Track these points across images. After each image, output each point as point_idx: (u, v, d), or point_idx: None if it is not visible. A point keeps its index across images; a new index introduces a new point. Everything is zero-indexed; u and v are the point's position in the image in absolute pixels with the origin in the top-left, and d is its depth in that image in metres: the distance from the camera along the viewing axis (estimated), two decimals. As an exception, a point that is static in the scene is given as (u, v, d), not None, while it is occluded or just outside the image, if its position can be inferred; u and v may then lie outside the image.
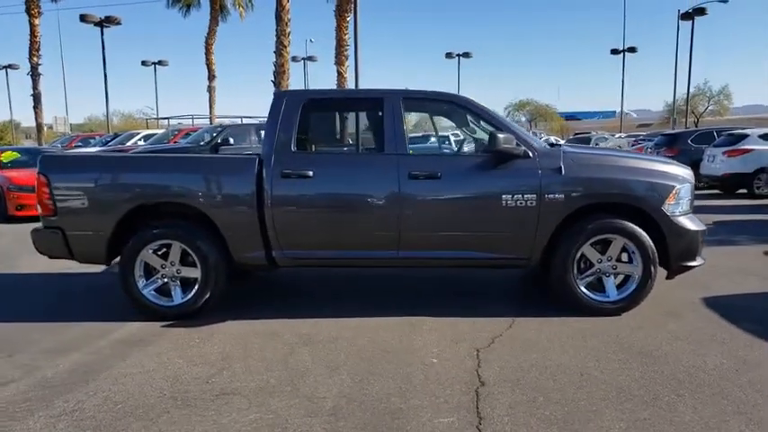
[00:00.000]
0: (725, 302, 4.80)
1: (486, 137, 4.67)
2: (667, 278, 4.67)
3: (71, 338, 4.24)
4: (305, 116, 4.66)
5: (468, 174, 4.53)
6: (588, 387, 3.26)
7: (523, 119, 73.63)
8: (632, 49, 41.79)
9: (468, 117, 4.79)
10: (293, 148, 4.58)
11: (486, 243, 4.56)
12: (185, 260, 4.65)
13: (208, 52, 26.93)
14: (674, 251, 4.51)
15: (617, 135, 33.51)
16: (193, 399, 3.20)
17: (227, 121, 23.83)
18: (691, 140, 15.10)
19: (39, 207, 4.69)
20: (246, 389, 3.32)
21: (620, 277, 4.62)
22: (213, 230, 4.61)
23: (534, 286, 5.63)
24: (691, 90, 35.72)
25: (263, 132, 15.24)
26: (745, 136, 13.38)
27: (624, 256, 4.58)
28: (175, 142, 16.43)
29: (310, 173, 4.50)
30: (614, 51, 42.05)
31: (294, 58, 37.50)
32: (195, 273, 4.62)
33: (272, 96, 4.81)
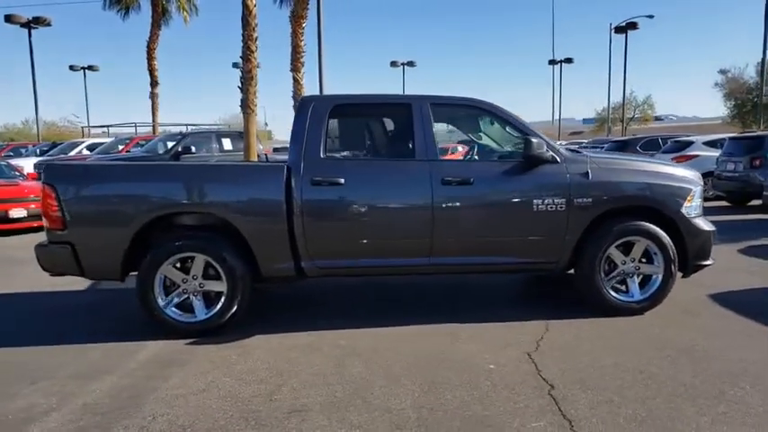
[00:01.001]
0: (733, 299, 5.05)
1: (511, 142, 4.74)
2: (683, 277, 4.87)
3: (93, 361, 3.95)
4: (332, 122, 4.57)
5: (499, 179, 4.57)
6: (655, 384, 3.34)
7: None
8: (569, 60, 43.83)
9: (496, 122, 4.83)
10: (322, 154, 4.48)
11: (516, 248, 4.62)
12: (207, 273, 4.44)
13: (150, 57, 25.89)
14: (691, 251, 4.71)
15: (558, 142, 34.70)
16: (266, 417, 3.04)
17: (174, 129, 23.05)
18: (639, 147, 15.90)
19: (45, 220, 4.36)
20: (316, 404, 3.19)
21: (640, 277, 4.77)
22: (238, 242, 4.43)
23: (539, 287, 5.73)
24: (617, 99, 37.62)
25: (224, 140, 15.01)
26: (690, 143, 14.23)
27: (643, 258, 4.75)
28: (128, 151, 15.72)
29: (341, 180, 4.41)
30: (551, 62, 44.05)
31: (236, 65, 36.82)
32: (219, 286, 4.42)
33: (299, 102, 4.68)
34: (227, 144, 14.60)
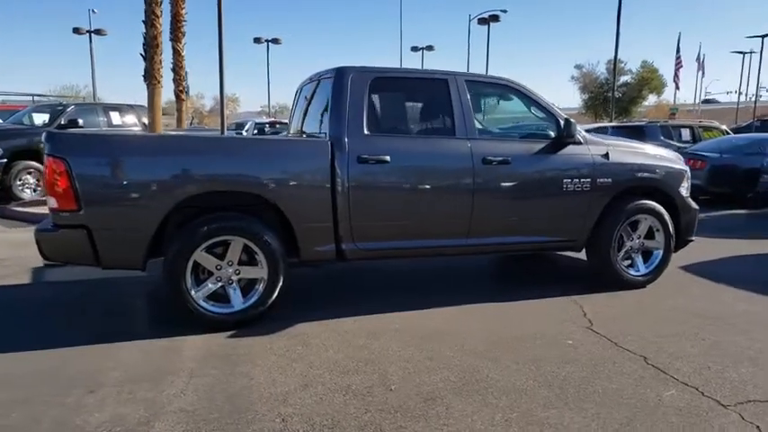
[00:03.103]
0: (706, 270, 5.67)
1: (538, 122, 4.86)
2: (674, 252, 5.36)
3: (136, 362, 3.39)
4: (372, 96, 4.33)
5: (534, 159, 4.66)
6: (726, 348, 3.67)
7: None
8: (430, 48, 45.54)
9: (522, 102, 4.91)
10: (366, 130, 4.23)
11: (545, 227, 4.77)
12: (241, 259, 4.01)
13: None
14: (683, 227, 5.22)
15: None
16: (407, 409, 2.84)
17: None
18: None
19: (51, 200, 3.62)
20: (443, 390, 3.05)
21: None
22: (277, 223, 4.06)
23: (520, 267, 5.99)
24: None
25: (112, 113, 13.48)
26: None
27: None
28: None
29: (387, 157, 4.21)
30: (414, 49, 45.54)
31: (98, 31, 33.07)
32: (257, 272, 4.02)
33: (333, 72, 4.36)
34: (115, 118, 13.16)
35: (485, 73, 4.77)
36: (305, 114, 5.05)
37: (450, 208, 4.44)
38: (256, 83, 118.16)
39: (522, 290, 4.93)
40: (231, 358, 3.47)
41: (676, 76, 47.08)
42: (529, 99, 4.85)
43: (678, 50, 45.74)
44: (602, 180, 4.79)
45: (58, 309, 4.41)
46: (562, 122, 4.64)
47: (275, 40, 44.74)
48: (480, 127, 4.57)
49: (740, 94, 59.43)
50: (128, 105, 13.66)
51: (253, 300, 4.00)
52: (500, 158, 4.50)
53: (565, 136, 4.64)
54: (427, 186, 4.37)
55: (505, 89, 4.89)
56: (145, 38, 11.00)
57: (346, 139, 4.13)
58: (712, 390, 3.07)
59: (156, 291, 4.94)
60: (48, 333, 3.88)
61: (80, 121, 12.00)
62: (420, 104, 4.64)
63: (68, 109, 12.35)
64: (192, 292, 3.85)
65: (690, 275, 5.53)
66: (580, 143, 4.76)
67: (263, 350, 3.60)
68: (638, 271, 5.09)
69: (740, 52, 54.24)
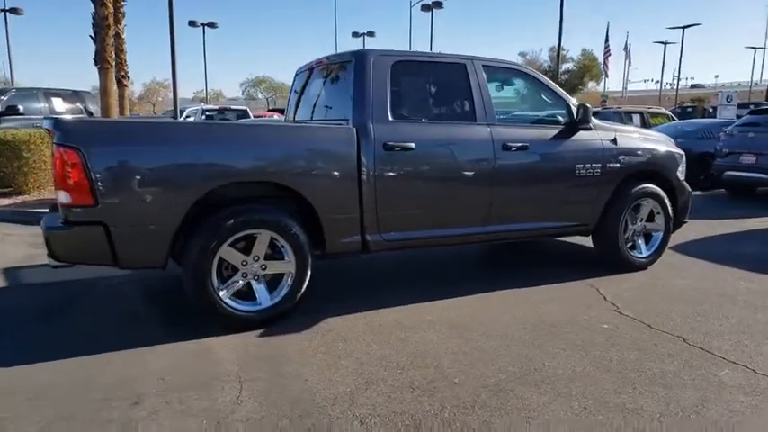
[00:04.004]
0: (694, 250, 5.90)
1: (548, 107, 4.86)
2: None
3: (171, 368, 3.14)
4: (394, 81, 4.18)
5: (549, 144, 4.66)
6: (751, 325, 3.80)
7: (260, 96, 73.25)
8: (371, 34, 45.35)
9: (534, 88, 4.88)
10: (390, 116, 4.08)
11: (560, 212, 4.80)
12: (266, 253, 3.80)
13: None
14: (679, 210, 5.39)
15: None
16: (477, 403, 2.77)
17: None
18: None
19: (64, 194, 3.27)
20: (507, 381, 2.99)
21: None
22: (303, 215, 3.87)
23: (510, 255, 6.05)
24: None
25: (54, 99, 12.60)
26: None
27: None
28: None
29: (412, 144, 4.09)
30: (355, 34, 45.25)
31: (14, 10, 30.69)
32: (285, 266, 3.82)
33: (353, 56, 4.17)
34: (57, 104, 12.32)
35: (498, 58, 4.65)
36: (312, 101, 4.83)
37: (471, 195, 4.38)
38: (189, 69, 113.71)
39: (533, 275, 4.93)
40: (274, 359, 3.28)
41: (605, 64, 49.27)
42: (540, 84, 4.84)
43: (607, 39, 47.67)
44: (611, 165, 4.86)
45: (64, 313, 4.07)
46: (575, 108, 4.67)
47: (211, 24, 43.06)
48: (497, 112, 4.52)
49: (661, 82, 62.81)
50: (71, 91, 12.85)
51: (281, 296, 3.81)
52: (519, 144, 4.47)
53: (580, 121, 4.67)
54: (450, 173, 4.29)
55: (518, 74, 4.87)
56: (94, 18, 10.27)
57: (371, 126, 3.98)
58: (760, 366, 3.17)
59: (155, 289, 4.63)
60: (64, 339, 3.55)
61: (20, 108, 11.21)
62: (440, 89, 4.53)
63: (5, 95, 11.45)
64: (221, 292, 3.61)
65: (682, 256, 5.72)
66: (590, 128, 4.81)
67: (303, 348, 3.43)
68: (641, 253, 5.22)
69: (662, 42, 57.30)
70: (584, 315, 4.01)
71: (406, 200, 4.15)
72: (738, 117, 16.67)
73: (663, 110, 15.95)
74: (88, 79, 68.78)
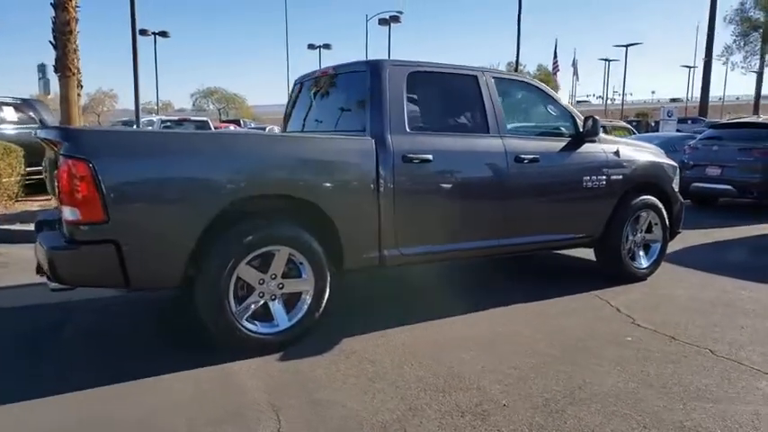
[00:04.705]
0: (685, 260, 6.01)
1: (553, 120, 4.85)
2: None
3: (197, 398, 2.90)
4: (409, 91, 4.07)
5: (558, 156, 4.65)
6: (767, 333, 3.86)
7: (211, 106, 71.91)
8: (327, 46, 45.29)
9: (541, 100, 4.87)
10: (408, 128, 3.96)
11: (567, 225, 4.78)
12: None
13: None
14: (674, 220, 5.47)
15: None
16: (536, 425, 2.65)
17: None
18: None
19: (70, 210, 2.98)
20: (554, 401, 2.89)
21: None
22: (322, 229, 3.69)
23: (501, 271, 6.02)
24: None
25: (6, 108, 11.90)
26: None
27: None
28: None
29: (430, 156, 3.99)
30: (311, 46, 45.06)
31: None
32: (303, 285, 3.63)
33: (367, 66, 4.04)
34: (9, 113, 11.63)
35: (505, 71, 4.60)
36: (318, 111, 4.66)
37: (486, 208, 4.32)
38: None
39: (539, 288, 4.87)
40: (303, 384, 3.08)
41: (554, 78, 51.14)
42: (546, 96, 4.84)
43: (555, 55, 49.65)
44: (615, 177, 4.89)
45: (61, 338, 3.72)
46: (581, 121, 4.68)
47: (163, 33, 41.95)
48: (508, 124, 4.47)
49: (606, 97, 65.43)
50: (23, 100, 12.15)
51: (299, 316, 3.60)
52: (531, 156, 4.43)
53: (587, 134, 4.68)
54: (466, 186, 4.21)
55: (525, 87, 4.85)
56: (54, 23, 9.70)
57: (389, 137, 3.85)
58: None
59: (153, 309, 4.33)
60: (65, 367, 3.23)
61: (-30, 118, 10.49)
62: (454, 101, 4.44)
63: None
64: (237, 312, 3.38)
65: (675, 266, 5.80)
66: (594, 141, 4.83)
67: (331, 372, 3.23)
68: (642, 264, 5.26)
69: (605, 59, 59.72)
70: (604, 328, 3.97)
71: (424, 213, 4.03)
72: (678, 131, 17.57)
73: (622, 123, 16.47)
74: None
